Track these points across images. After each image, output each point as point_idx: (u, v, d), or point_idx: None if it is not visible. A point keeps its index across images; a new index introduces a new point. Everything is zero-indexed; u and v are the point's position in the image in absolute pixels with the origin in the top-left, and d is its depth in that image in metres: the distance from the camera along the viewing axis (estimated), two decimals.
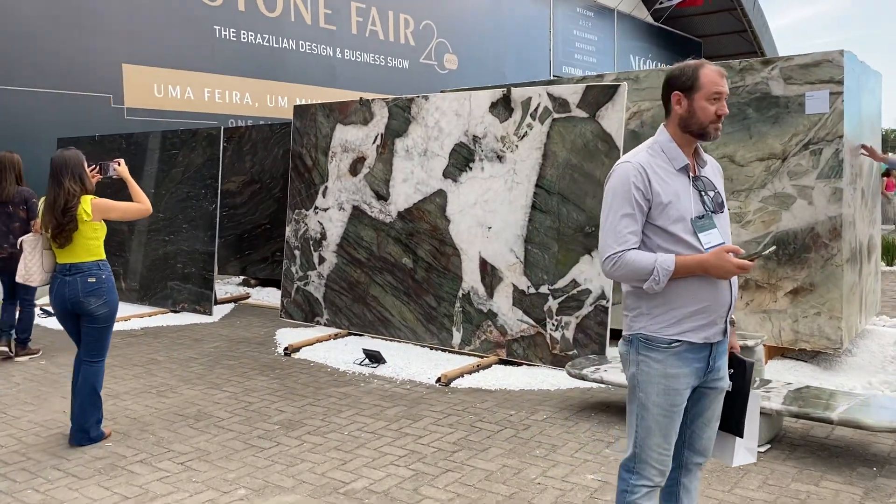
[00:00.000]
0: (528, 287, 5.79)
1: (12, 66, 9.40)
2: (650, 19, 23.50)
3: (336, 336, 6.79)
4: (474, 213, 6.13)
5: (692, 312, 2.31)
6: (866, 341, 6.01)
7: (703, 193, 2.37)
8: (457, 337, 6.17)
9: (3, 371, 5.81)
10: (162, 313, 8.04)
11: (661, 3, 23.07)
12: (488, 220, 6.04)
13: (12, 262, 5.76)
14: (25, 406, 4.91)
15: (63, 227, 4.11)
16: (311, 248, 7.28)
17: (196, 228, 8.11)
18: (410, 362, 5.83)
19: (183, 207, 8.28)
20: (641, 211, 2.32)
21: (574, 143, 5.65)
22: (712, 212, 2.37)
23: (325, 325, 7.13)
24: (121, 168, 4.53)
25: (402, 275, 6.57)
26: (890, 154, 6.32)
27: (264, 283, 9.72)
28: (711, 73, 2.33)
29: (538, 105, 5.84)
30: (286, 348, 6.29)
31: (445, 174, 6.33)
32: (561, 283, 5.64)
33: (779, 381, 4.34)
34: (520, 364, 5.79)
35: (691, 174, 2.38)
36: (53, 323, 7.48)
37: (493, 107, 6.09)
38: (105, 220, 4.28)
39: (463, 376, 5.46)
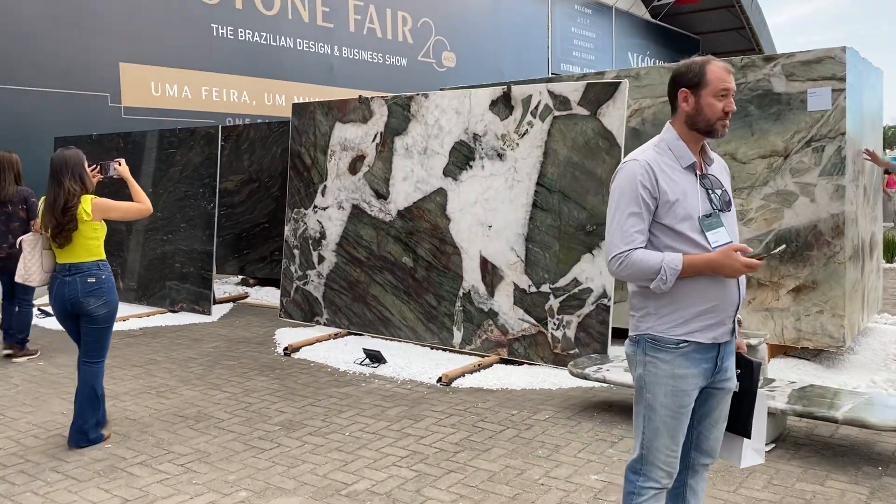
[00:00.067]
0: (529, 286, 5.76)
1: (11, 66, 9.36)
2: (648, 16, 23.48)
3: (336, 336, 6.76)
4: (475, 212, 6.10)
5: (700, 312, 2.29)
6: (868, 339, 5.99)
7: (710, 191, 2.35)
8: (457, 336, 6.15)
9: (1, 372, 5.78)
10: (160, 313, 8.01)
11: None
12: (489, 218, 6.01)
13: (11, 263, 5.72)
14: (24, 408, 4.88)
15: (63, 227, 4.07)
16: (311, 248, 7.25)
17: (194, 228, 8.08)
18: (411, 362, 5.80)
19: (181, 206, 8.24)
20: (648, 210, 2.29)
21: (575, 140, 5.63)
22: (720, 210, 2.34)
23: (324, 324, 7.10)
24: (121, 168, 4.50)
25: (403, 274, 6.54)
26: (890, 158, 6.30)
27: (263, 282, 9.70)
28: (718, 70, 2.31)
29: (539, 103, 5.81)
30: (286, 348, 6.25)
31: (445, 172, 6.30)
32: (562, 282, 5.61)
33: (782, 379, 4.32)
34: (521, 363, 5.76)
35: (698, 172, 2.36)
36: (52, 323, 7.44)
37: (494, 104, 6.06)
38: (105, 220, 4.26)
39: (464, 376, 5.43)
